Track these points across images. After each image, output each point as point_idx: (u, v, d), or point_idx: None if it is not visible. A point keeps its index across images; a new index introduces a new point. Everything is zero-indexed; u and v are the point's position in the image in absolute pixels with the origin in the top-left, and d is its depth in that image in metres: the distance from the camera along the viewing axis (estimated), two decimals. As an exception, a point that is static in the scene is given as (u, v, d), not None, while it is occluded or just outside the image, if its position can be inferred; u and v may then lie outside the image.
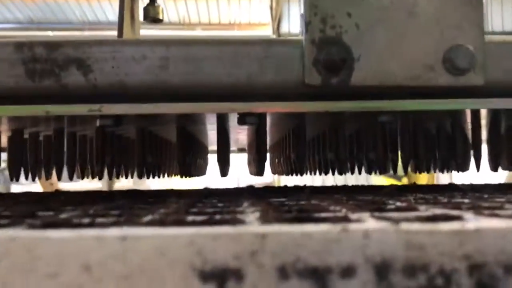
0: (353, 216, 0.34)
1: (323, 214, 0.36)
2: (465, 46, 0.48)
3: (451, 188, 0.67)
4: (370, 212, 0.36)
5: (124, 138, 0.85)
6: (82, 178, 0.79)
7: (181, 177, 0.85)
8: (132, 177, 0.87)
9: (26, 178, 0.76)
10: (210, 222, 0.33)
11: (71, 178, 0.77)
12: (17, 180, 0.74)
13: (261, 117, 0.60)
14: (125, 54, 0.50)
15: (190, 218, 0.35)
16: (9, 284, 0.28)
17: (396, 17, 0.49)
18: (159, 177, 0.93)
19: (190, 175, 0.93)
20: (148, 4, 1.08)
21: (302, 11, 0.51)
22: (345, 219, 0.33)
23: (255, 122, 0.56)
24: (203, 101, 0.52)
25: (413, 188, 0.69)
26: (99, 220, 0.35)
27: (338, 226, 0.29)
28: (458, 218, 0.33)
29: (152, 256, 0.29)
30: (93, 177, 0.78)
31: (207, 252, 0.28)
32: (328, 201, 0.47)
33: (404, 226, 0.29)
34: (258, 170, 0.74)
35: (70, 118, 0.65)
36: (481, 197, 0.49)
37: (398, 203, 0.43)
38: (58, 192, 0.73)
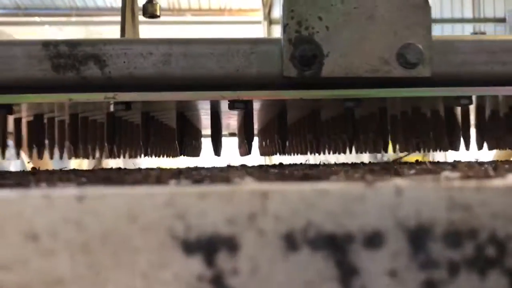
0: (373, 177, 0.27)
1: (335, 176, 0.29)
2: (415, 44, 0.58)
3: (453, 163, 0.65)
4: (391, 175, 0.30)
5: (129, 122, 0.94)
6: (93, 157, 0.89)
7: (180, 155, 0.95)
8: (137, 156, 0.98)
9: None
10: (196, 181, 0.27)
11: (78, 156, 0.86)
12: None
13: (248, 103, 0.69)
14: (134, 51, 0.59)
15: (172, 181, 0.28)
16: None
17: (358, 20, 0.59)
18: (159, 156, 1.04)
19: (186, 154, 1.03)
20: (147, 2, 1.17)
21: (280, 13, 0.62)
22: (365, 179, 0.26)
23: (243, 107, 0.66)
24: (199, 90, 0.61)
25: (417, 162, 0.68)
26: (56, 184, 0.29)
27: (362, 183, 0.23)
28: (499, 176, 0.27)
29: (119, 221, 0.22)
30: (100, 156, 0.89)
31: (191, 216, 0.22)
32: (336, 167, 0.49)
33: (445, 182, 0.23)
34: (247, 149, 0.85)
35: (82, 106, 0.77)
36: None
37: (415, 169, 0.40)
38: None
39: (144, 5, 1.16)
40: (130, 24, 1.05)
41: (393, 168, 0.42)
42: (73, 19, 5.65)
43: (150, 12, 1.15)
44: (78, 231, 0.21)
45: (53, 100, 0.65)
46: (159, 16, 1.18)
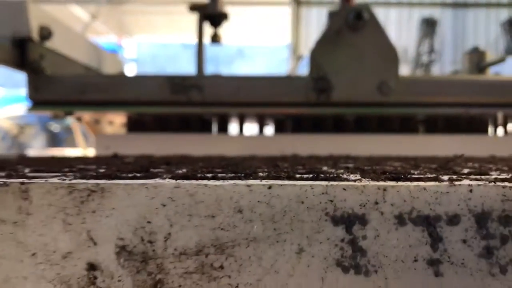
0: (443, 177, 0.40)
1: (414, 175, 0.40)
2: (387, 81, 1.13)
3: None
4: (451, 175, 0.42)
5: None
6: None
7: None
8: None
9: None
10: (324, 178, 0.38)
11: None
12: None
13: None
14: (221, 82, 1.17)
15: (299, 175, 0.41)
16: (175, 225, 0.34)
17: (353, 65, 1.14)
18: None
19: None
20: (214, 33, 1.47)
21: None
22: (438, 179, 0.38)
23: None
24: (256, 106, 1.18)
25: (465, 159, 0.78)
26: (221, 175, 0.40)
27: (446, 182, 0.35)
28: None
29: (293, 202, 0.34)
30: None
31: (338, 201, 0.34)
32: (402, 165, 0.55)
33: (501, 183, 0.35)
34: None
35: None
36: None
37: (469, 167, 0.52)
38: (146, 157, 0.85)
39: (212, 36, 1.45)
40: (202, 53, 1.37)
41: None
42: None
43: (216, 40, 1.45)
44: (267, 208, 0.34)
45: (170, 112, 1.16)
46: (220, 42, 1.48)
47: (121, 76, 1.25)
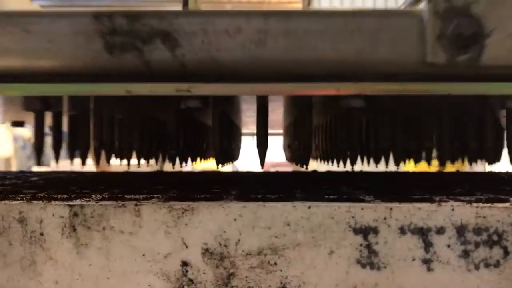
0: (436, 197, 0.52)
1: (415, 196, 0.53)
2: None
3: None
4: (447, 195, 0.54)
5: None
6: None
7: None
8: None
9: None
10: (348, 200, 0.51)
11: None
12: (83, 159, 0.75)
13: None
14: (217, 27, 0.46)
15: (327, 196, 0.53)
16: (243, 233, 0.47)
17: None
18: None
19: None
20: None
21: None
22: (431, 200, 0.50)
23: (362, 105, 0.52)
24: (303, 81, 0.48)
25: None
26: (269, 196, 0.53)
27: (435, 203, 0.48)
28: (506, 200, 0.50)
29: (326, 218, 0.47)
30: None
31: (357, 217, 0.47)
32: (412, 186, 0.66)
33: (475, 203, 0.47)
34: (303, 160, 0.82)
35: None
36: None
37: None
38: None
39: None
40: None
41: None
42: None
43: None
44: (307, 222, 0.48)
45: (106, 91, 0.48)
46: None
47: None
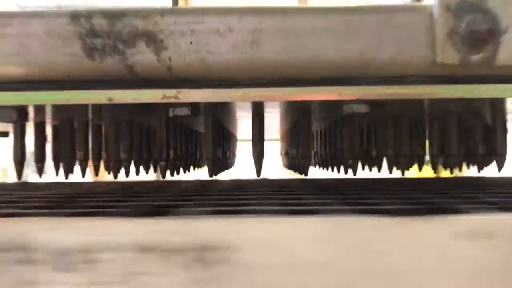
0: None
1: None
2: None
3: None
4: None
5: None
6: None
7: None
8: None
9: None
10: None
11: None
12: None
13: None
14: (207, 27, 0.43)
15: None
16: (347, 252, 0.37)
17: None
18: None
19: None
20: None
21: None
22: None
23: (366, 110, 0.48)
24: (301, 85, 0.44)
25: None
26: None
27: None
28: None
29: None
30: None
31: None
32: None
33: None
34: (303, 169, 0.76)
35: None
36: None
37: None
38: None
39: None
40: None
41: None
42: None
43: None
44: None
45: (85, 99, 0.45)
46: None
47: None
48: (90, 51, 0.43)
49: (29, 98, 0.46)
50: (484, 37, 0.41)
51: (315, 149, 1.03)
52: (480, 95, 0.45)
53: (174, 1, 0.84)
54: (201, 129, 0.82)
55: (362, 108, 0.48)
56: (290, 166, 1.03)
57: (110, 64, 0.43)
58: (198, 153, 0.99)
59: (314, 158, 1.03)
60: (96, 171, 0.68)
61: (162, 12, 0.43)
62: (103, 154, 0.71)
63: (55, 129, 0.71)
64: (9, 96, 0.45)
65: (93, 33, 0.43)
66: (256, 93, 0.45)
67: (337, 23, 0.43)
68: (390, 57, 0.43)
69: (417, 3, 0.46)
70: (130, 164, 0.71)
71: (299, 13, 0.44)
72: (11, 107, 0.50)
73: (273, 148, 1.54)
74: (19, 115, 0.51)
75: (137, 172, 0.80)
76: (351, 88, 0.44)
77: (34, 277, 0.38)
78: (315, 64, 0.44)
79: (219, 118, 0.80)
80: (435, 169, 0.72)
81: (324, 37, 0.43)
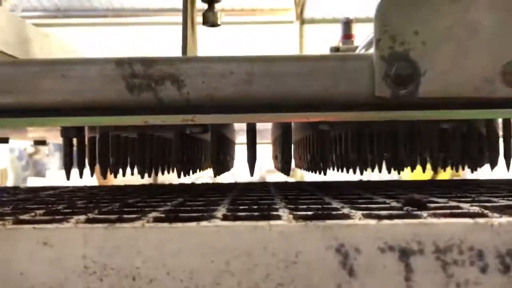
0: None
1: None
2: None
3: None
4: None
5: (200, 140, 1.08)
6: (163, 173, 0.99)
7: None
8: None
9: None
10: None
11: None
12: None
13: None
14: (214, 71, 0.57)
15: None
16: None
17: (459, 34, 0.55)
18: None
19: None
20: (207, 10, 1.09)
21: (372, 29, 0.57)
22: (480, 215, 0.48)
23: (328, 128, 0.73)
24: (282, 111, 0.59)
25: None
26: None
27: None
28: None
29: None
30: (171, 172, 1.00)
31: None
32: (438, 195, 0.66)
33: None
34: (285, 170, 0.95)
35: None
36: None
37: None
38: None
39: (204, 14, 1.08)
40: (191, 34, 0.97)
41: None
42: (109, 19, 5.79)
43: (211, 21, 1.08)
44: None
45: (127, 122, 0.61)
46: (219, 25, 1.10)
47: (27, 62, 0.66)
48: (131, 88, 0.57)
49: (86, 121, 0.62)
50: (407, 78, 0.56)
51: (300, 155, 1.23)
52: (406, 119, 0.63)
53: (184, 45, 0.88)
54: (207, 137, 1.00)
55: (326, 127, 0.69)
56: (279, 168, 1.21)
57: (145, 97, 0.57)
58: (203, 158, 1.17)
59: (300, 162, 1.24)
60: (104, 175, 0.79)
61: (182, 60, 0.59)
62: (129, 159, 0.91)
63: (99, 141, 0.83)
64: (73, 120, 0.61)
65: (133, 75, 0.57)
66: (250, 118, 0.62)
67: (306, 67, 0.58)
68: (343, 91, 0.58)
69: (362, 53, 0.68)
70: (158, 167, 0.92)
71: (280, 61, 0.59)
72: (73, 127, 0.68)
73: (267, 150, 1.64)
74: (78, 132, 0.71)
75: (162, 173, 0.97)
76: (316, 114, 0.60)
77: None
78: (291, 97, 0.58)
79: (221, 132, 0.97)
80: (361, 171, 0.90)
81: (297, 78, 0.57)
